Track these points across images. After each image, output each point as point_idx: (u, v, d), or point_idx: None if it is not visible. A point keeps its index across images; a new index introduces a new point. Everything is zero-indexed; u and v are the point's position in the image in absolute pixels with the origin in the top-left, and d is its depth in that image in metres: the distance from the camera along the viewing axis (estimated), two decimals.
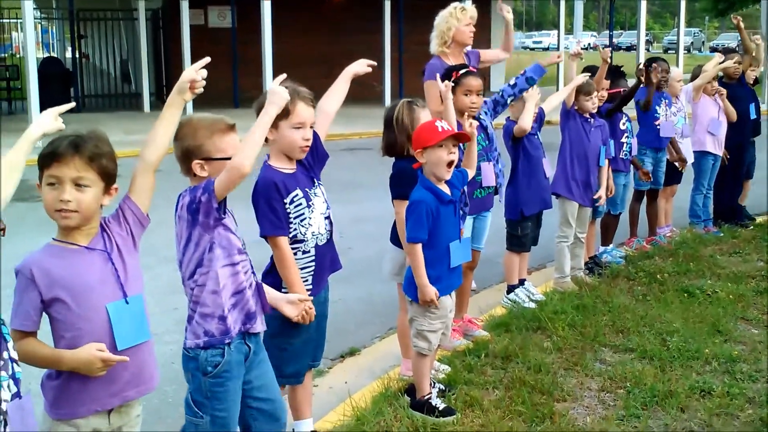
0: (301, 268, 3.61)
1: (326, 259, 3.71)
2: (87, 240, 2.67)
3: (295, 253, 3.60)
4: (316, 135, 3.67)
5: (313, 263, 3.65)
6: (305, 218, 3.59)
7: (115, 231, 2.74)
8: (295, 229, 3.59)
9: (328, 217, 3.70)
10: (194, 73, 2.85)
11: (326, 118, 3.80)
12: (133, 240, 2.78)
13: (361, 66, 3.94)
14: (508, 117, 5.87)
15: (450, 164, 4.02)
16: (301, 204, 3.58)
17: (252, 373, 3.23)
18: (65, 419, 2.67)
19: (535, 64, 5.55)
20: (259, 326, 3.20)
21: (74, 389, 2.64)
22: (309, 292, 3.62)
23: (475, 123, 4.54)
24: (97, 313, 2.63)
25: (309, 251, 3.63)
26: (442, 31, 5.89)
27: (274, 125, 3.54)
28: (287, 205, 3.56)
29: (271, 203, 3.54)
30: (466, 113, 4.83)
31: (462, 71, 4.97)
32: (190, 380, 3.13)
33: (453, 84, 4.81)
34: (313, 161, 3.73)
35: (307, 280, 3.63)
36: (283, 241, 3.55)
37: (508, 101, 5.56)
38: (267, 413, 3.29)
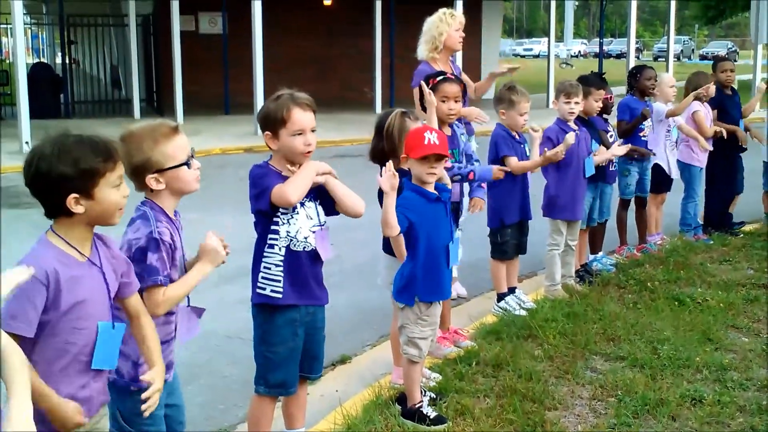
0: (275, 265, 3.58)
1: (305, 270, 3.61)
2: (87, 249, 2.61)
3: (272, 246, 3.56)
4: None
5: (282, 263, 3.57)
6: (285, 213, 3.53)
7: (108, 255, 2.68)
8: (276, 217, 3.54)
9: (314, 232, 3.62)
10: None
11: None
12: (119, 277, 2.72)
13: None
14: (498, 123, 5.86)
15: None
16: (285, 208, 3.53)
17: (170, 399, 3.14)
18: None
19: (485, 171, 5.25)
20: (171, 375, 3.11)
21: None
22: (280, 296, 3.58)
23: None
24: (88, 327, 2.59)
25: (280, 250, 3.56)
26: (434, 36, 5.89)
27: (275, 135, 3.52)
28: None
29: (263, 177, 3.52)
30: (445, 120, 4.83)
31: (439, 78, 4.93)
32: (116, 399, 2.95)
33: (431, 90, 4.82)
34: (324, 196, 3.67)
35: (279, 281, 3.58)
36: (279, 186, 3.45)
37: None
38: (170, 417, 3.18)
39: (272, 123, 3.51)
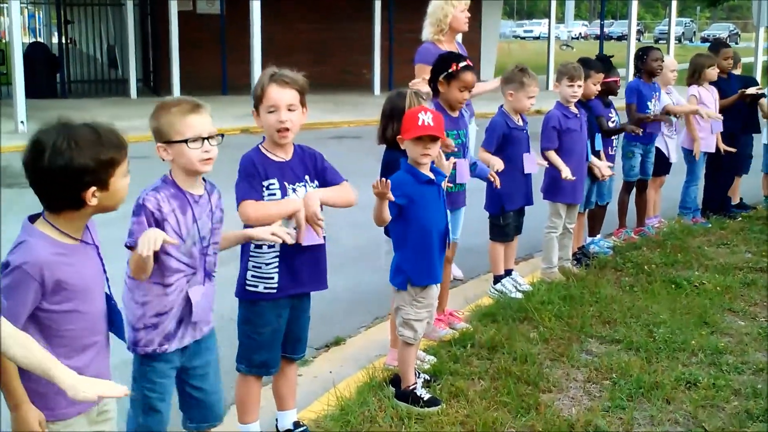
0: (266, 264, 3.54)
1: (298, 261, 3.55)
2: (80, 233, 2.54)
3: (260, 246, 3.51)
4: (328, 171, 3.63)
5: (277, 260, 3.53)
6: None
7: (93, 228, 2.65)
8: None
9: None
10: None
11: None
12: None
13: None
14: (501, 106, 5.80)
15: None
16: (274, 195, 3.48)
17: (194, 361, 3.15)
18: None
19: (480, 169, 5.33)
20: (176, 344, 3.07)
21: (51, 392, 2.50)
22: (275, 291, 3.55)
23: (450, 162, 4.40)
24: (89, 309, 2.56)
25: (273, 245, 3.48)
26: (439, 18, 5.84)
27: (258, 112, 3.51)
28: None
29: (247, 174, 3.48)
30: (456, 108, 4.82)
31: (462, 64, 4.86)
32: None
33: (450, 76, 4.77)
34: (318, 172, 3.62)
35: (272, 278, 3.54)
36: (249, 203, 3.42)
37: None
38: (198, 401, 3.21)
39: (254, 100, 3.52)
